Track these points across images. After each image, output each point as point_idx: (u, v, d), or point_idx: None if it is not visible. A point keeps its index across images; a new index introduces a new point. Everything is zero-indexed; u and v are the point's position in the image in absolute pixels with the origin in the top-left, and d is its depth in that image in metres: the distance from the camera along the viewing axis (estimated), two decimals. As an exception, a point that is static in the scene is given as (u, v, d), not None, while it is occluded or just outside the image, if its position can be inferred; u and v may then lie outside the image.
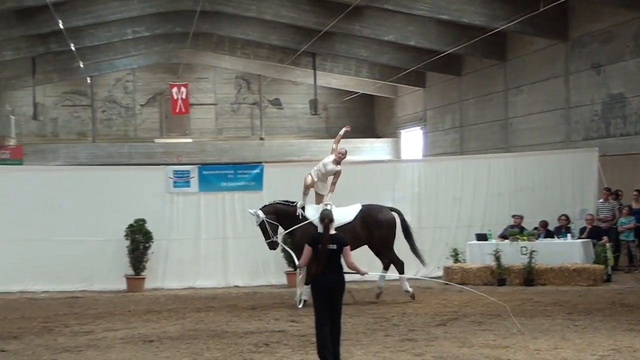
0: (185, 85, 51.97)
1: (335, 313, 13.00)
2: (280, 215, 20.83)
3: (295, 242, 20.91)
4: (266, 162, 29.98)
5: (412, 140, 50.76)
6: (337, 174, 20.76)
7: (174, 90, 51.47)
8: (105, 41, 46.21)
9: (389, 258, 21.22)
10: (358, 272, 13.73)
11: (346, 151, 21.03)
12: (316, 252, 13.12)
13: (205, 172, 25.56)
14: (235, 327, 17.17)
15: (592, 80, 32.12)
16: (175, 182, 25.14)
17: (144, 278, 23.89)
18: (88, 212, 24.19)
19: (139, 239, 23.86)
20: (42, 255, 23.89)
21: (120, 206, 24.26)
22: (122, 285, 23.71)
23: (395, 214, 21.61)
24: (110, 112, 57.01)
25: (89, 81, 55.70)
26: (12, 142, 51.78)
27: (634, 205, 26.25)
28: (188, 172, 25.47)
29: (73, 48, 43.93)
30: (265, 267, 24.55)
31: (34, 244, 24.01)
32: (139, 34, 46.02)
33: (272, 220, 20.51)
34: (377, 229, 21.13)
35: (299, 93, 55.95)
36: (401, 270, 20.99)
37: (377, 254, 21.37)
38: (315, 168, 20.91)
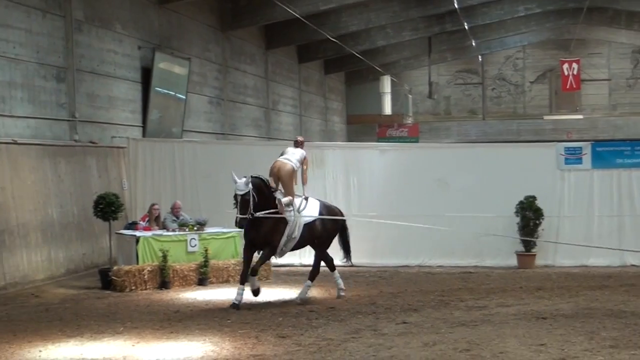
0: (577, 61, 51.23)
1: None
2: (260, 195, 17.46)
3: (262, 232, 17.63)
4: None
5: None
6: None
7: (565, 66, 50.87)
8: (496, 19, 46.54)
9: (324, 256, 18.81)
10: None
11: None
12: None
13: (598, 149, 24.82)
14: (634, 307, 16.50)
15: None
16: (566, 158, 24.60)
17: (534, 255, 23.52)
18: (478, 188, 24.17)
19: (529, 215, 23.54)
20: (437, 230, 24.16)
21: (510, 183, 23.99)
22: (513, 261, 23.51)
23: None
24: (499, 89, 57.34)
25: (479, 59, 56.14)
26: (409, 120, 53.34)
27: None
28: (580, 148, 24.85)
29: (466, 27, 44.60)
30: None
31: (429, 219, 24.25)
32: (530, 11, 45.94)
33: (255, 195, 17.21)
34: (331, 228, 18.75)
35: None
36: (332, 268, 18.73)
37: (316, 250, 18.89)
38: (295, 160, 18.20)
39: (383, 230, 24.64)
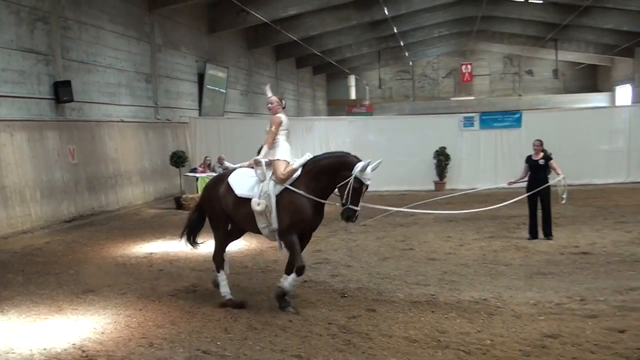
0: (470, 64, 51.60)
1: None
2: None
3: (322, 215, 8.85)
4: (523, 110, 28.85)
5: (623, 93, 47.14)
6: (272, 122, 8.51)
7: (463, 67, 51.25)
8: (421, 39, 46.79)
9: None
10: None
11: (273, 100, 8.69)
12: None
13: (484, 117, 24.96)
14: (506, 213, 16.63)
15: None
16: (464, 124, 24.73)
17: (444, 182, 23.80)
18: (411, 142, 24.33)
19: (441, 159, 23.78)
20: (387, 167, 24.14)
21: (430, 139, 24.13)
22: (432, 187, 23.73)
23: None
24: (423, 82, 57.36)
25: (410, 64, 56.17)
26: (366, 102, 53.42)
27: None
28: (472, 117, 25.04)
29: (402, 44, 44.68)
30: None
31: (385, 160, 24.35)
32: (441, 34, 46.23)
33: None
34: None
35: (544, 65, 53.33)
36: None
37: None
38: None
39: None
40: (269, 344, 6.89)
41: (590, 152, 23.79)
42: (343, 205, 8.11)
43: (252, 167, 8.53)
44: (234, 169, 8.82)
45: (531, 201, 13.01)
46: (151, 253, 12.45)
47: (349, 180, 8.01)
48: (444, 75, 56.94)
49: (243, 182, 8.44)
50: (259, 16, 28.72)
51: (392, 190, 23.54)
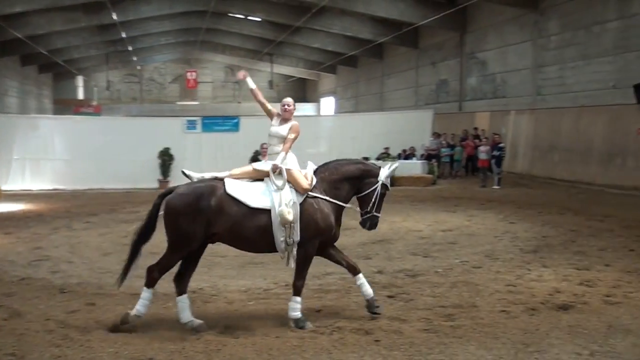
0: (195, 71, 51.77)
1: None
2: None
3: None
4: (241, 116, 29.67)
5: (328, 104, 50.79)
6: (294, 129, 7.39)
7: (188, 74, 51.23)
8: (149, 45, 46.05)
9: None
10: None
11: (291, 103, 7.54)
12: None
13: (205, 121, 25.25)
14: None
15: (431, 71, 32.28)
16: (187, 126, 24.75)
17: (168, 181, 23.48)
18: (137, 142, 23.74)
19: (165, 158, 23.52)
20: (113, 166, 23.35)
21: (156, 139, 23.74)
22: (156, 185, 23.34)
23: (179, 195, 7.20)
24: (151, 86, 56.55)
25: (139, 68, 54.91)
26: (94, 103, 51.04)
27: (450, 142, 26.56)
28: (195, 120, 25.15)
29: (130, 48, 43.49)
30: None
31: (111, 159, 23.37)
32: (168, 41, 45.91)
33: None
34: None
35: (262, 76, 55.39)
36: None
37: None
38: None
39: (76, 165, 23.49)
40: (-21, 345, 6.26)
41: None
42: (366, 213, 7.25)
43: (230, 178, 7.03)
44: (202, 179, 7.22)
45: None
46: None
47: (376, 187, 7.28)
48: (171, 80, 56.61)
49: (250, 192, 6.91)
50: (-21, 10, 26.04)
51: (117, 188, 22.77)
